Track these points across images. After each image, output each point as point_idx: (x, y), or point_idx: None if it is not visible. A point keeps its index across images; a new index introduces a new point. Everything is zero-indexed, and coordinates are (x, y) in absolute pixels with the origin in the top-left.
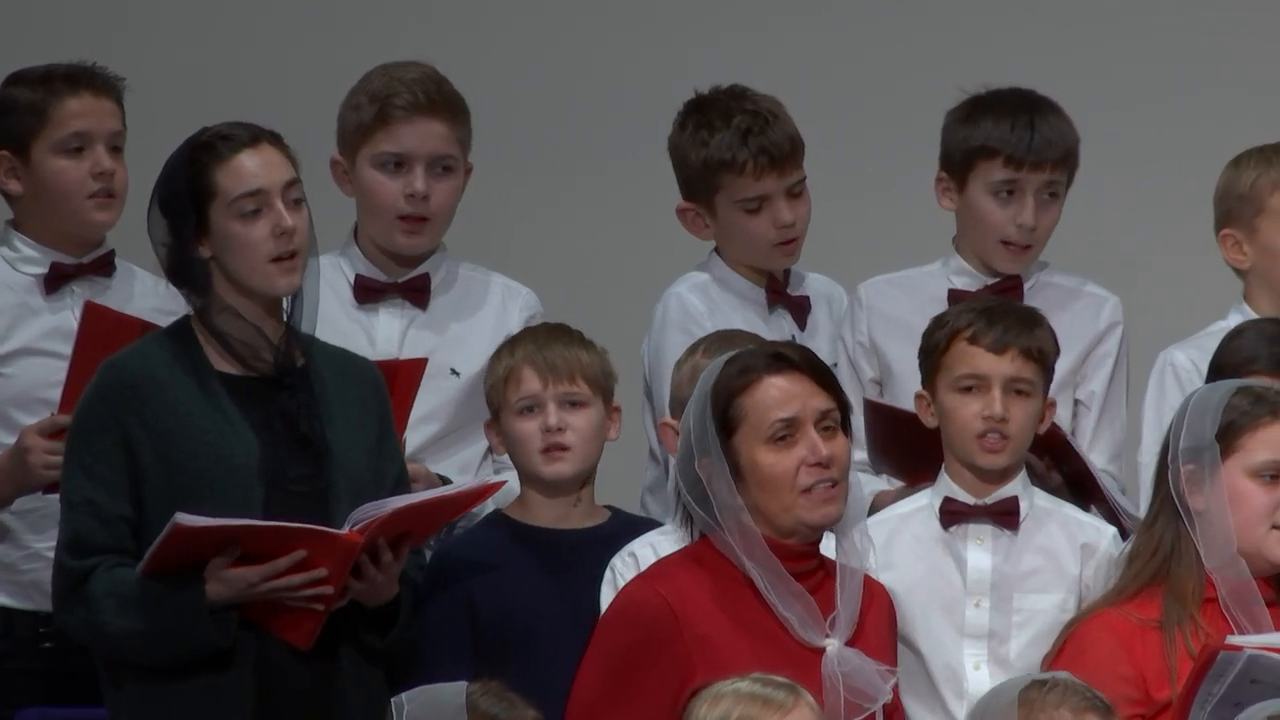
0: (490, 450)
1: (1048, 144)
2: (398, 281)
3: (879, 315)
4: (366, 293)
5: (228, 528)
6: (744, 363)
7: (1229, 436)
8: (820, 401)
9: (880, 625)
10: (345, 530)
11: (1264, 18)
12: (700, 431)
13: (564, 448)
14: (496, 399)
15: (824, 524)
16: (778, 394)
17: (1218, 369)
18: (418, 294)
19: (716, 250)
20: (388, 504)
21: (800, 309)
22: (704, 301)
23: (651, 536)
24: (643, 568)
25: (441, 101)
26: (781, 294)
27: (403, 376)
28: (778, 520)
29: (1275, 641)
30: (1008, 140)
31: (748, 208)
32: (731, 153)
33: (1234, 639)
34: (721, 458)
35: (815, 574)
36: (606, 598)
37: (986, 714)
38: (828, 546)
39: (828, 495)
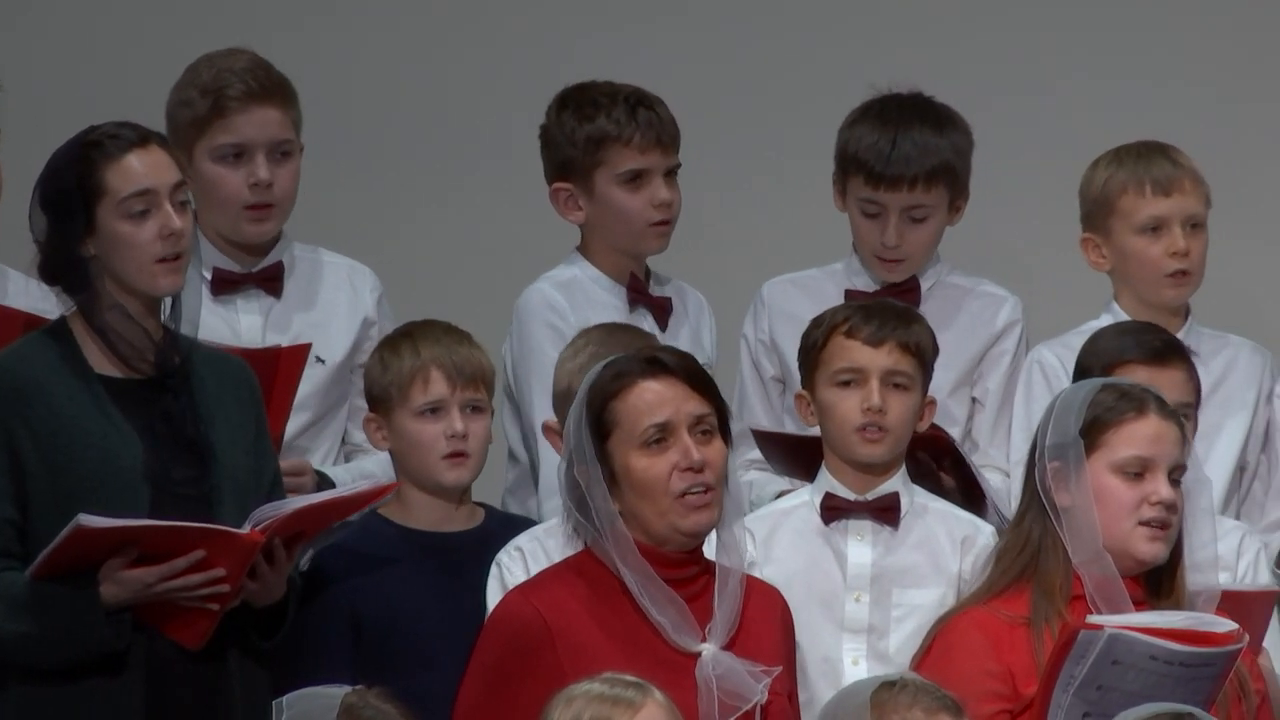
0: (344, 437)
1: (905, 161)
2: (252, 271)
3: (780, 314)
4: (223, 284)
5: (129, 529)
6: (619, 367)
7: (1094, 433)
8: (694, 406)
9: (769, 628)
10: (246, 530)
11: (1154, 12)
12: (577, 437)
13: (465, 454)
14: (394, 396)
15: (697, 531)
16: (651, 398)
17: (1085, 373)
18: (272, 283)
19: (579, 248)
20: (288, 504)
21: (662, 309)
22: (565, 297)
23: (537, 531)
24: (529, 562)
25: (274, 87)
26: (643, 293)
27: (285, 364)
28: (652, 526)
29: (1135, 621)
30: (868, 155)
31: (628, 182)
32: (618, 127)
33: (1094, 618)
34: (596, 463)
35: (696, 580)
36: (493, 593)
37: (836, 717)
38: (711, 547)
39: (701, 502)
